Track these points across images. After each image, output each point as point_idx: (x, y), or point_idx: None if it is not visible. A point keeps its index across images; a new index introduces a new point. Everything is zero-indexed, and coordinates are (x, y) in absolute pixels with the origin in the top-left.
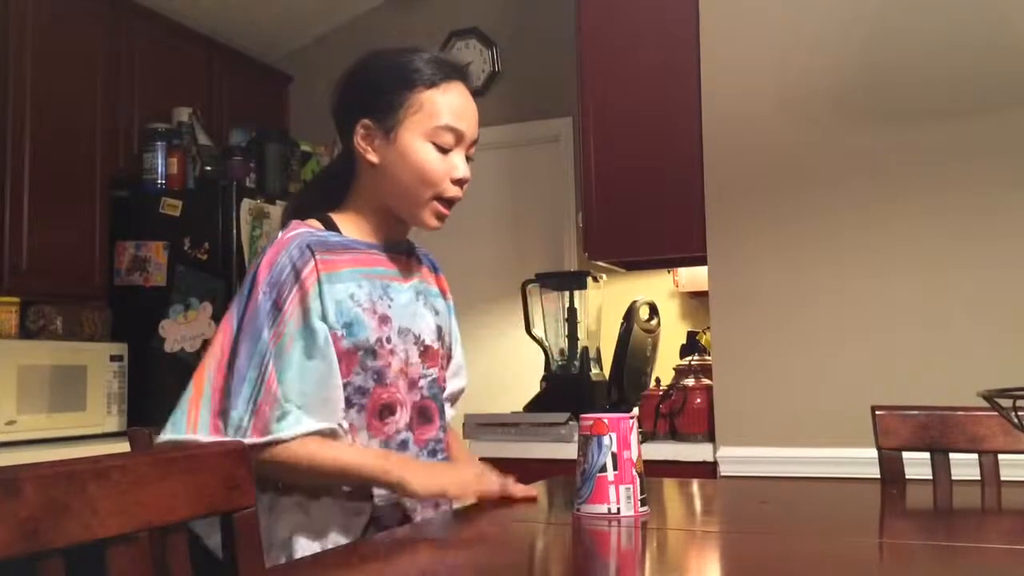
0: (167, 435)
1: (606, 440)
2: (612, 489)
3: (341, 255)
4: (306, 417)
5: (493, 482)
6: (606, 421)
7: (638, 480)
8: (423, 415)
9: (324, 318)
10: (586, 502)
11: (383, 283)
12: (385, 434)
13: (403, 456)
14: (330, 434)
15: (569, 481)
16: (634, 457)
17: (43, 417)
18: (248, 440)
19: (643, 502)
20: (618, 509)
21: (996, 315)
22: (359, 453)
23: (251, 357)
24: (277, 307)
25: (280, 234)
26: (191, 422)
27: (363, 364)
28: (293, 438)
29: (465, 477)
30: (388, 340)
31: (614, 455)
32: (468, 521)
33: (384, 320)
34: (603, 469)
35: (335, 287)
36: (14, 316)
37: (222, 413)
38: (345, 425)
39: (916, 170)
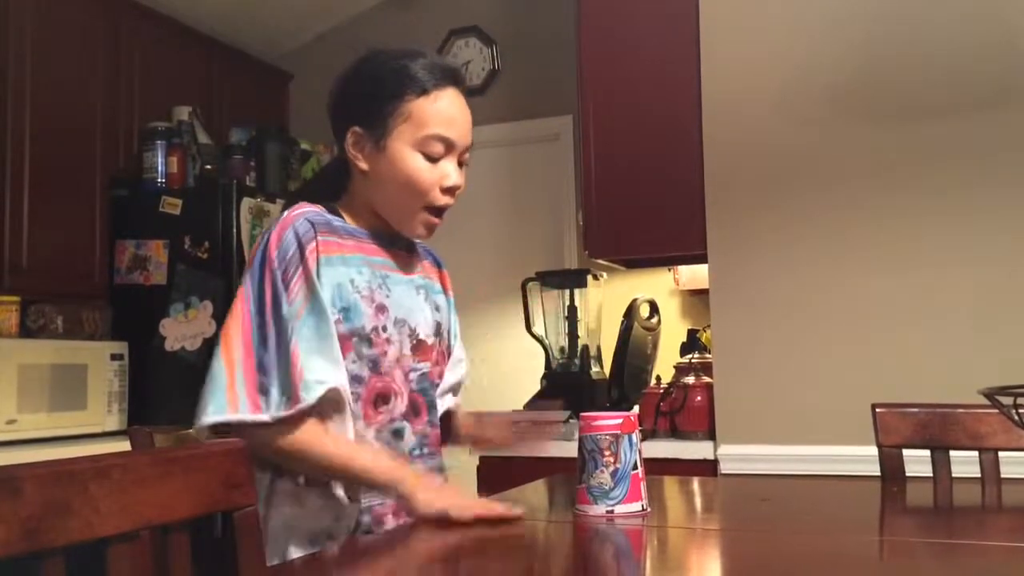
0: (209, 418)
1: (635, 437)
2: (642, 486)
3: (346, 240)
4: (323, 385)
5: (494, 508)
6: (632, 419)
7: None
8: (412, 408)
9: None
10: (621, 502)
11: (383, 273)
12: (379, 423)
13: (414, 472)
14: (338, 403)
15: (569, 480)
16: None
17: (44, 416)
18: (285, 412)
19: None
20: (645, 506)
21: (997, 313)
22: (375, 456)
23: (278, 334)
24: (285, 283)
25: (286, 212)
26: (232, 403)
27: (358, 351)
28: (317, 400)
29: (467, 501)
30: (384, 329)
31: (639, 452)
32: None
33: (381, 309)
34: (635, 467)
35: (337, 270)
36: (14, 315)
37: (261, 391)
38: (352, 403)
39: (916, 168)
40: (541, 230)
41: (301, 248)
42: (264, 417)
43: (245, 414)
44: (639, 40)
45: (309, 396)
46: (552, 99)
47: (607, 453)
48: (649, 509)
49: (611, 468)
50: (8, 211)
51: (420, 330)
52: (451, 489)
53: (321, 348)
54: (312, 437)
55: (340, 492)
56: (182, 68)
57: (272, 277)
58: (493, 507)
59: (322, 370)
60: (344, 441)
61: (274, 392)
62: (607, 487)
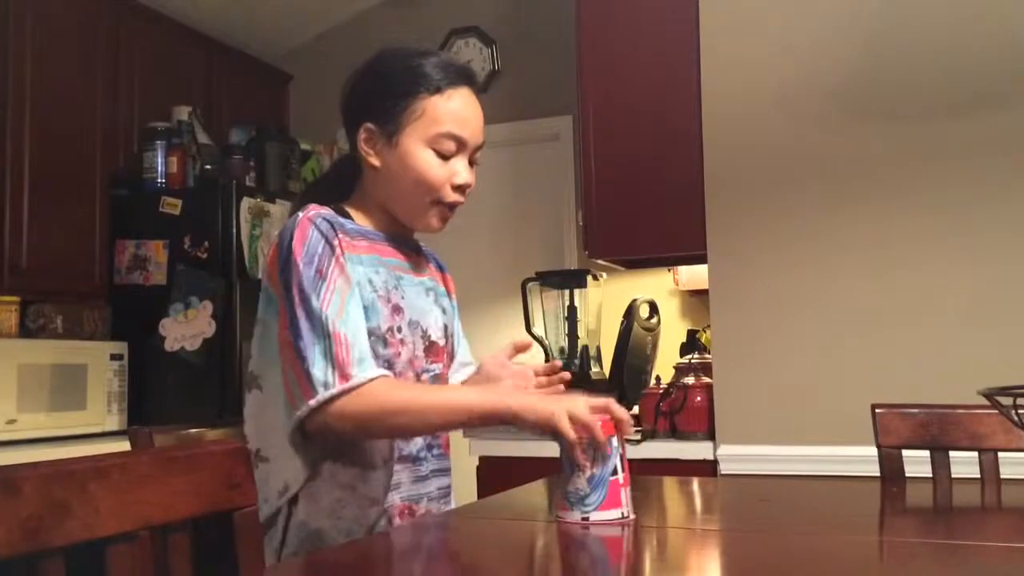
0: (297, 418)
1: (615, 442)
2: (623, 493)
3: (358, 241)
4: (375, 364)
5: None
6: (614, 422)
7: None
8: None
9: None
10: (597, 508)
11: (397, 274)
12: None
13: (494, 387)
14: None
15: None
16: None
17: (43, 416)
18: (336, 390)
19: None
20: (626, 513)
21: (997, 313)
22: (449, 391)
23: (312, 325)
24: (321, 275)
25: (300, 214)
26: (305, 394)
27: (374, 350)
28: (373, 379)
29: (571, 407)
30: (399, 330)
31: (621, 457)
32: (468, 521)
33: (396, 310)
34: (615, 472)
35: (356, 268)
36: (14, 315)
37: (307, 378)
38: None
39: (916, 167)
40: (541, 230)
41: (330, 243)
42: (321, 396)
43: (311, 401)
44: (639, 40)
45: (365, 373)
46: (552, 99)
47: (585, 457)
48: (632, 516)
49: (587, 473)
50: (8, 211)
51: (432, 332)
52: (550, 397)
53: (363, 333)
54: (375, 402)
55: (361, 490)
56: (182, 68)
57: (300, 275)
58: (595, 413)
59: (368, 351)
60: (411, 398)
61: (316, 374)
62: (583, 493)
